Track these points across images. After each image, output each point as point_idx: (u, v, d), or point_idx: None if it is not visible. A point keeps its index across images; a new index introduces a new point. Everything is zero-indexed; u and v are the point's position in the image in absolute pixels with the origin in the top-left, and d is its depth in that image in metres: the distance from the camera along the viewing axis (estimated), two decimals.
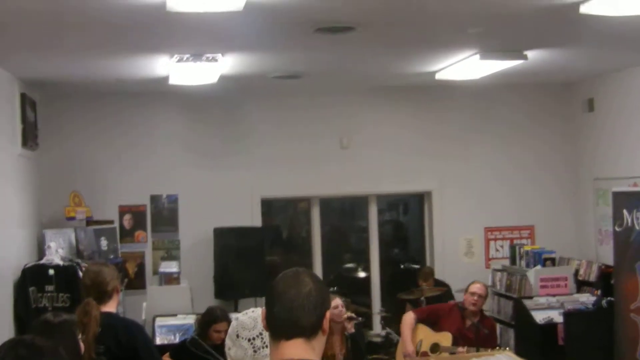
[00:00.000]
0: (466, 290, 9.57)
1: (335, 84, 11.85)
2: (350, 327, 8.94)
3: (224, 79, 10.10)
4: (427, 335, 9.14)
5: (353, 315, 9.01)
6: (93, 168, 11.68)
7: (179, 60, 8.74)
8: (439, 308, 9.71)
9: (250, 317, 3.99)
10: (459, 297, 10.52)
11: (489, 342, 9.05)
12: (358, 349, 8.89)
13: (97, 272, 6.02)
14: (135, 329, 6.01)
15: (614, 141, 11.55)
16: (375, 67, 10.46)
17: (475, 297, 9.32)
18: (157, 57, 9.00)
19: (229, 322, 8.20)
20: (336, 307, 8.82)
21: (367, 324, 11.99)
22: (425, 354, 8.96)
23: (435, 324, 9.30)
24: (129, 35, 7.78)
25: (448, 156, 12.53)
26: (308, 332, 3.07)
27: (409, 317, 9.40)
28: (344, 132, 12.34)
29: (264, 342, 3.83)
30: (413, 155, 12.44)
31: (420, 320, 9.34)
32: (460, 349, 8.86)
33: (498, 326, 11.54)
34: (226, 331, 8.14)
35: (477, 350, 8.67)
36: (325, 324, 3.12)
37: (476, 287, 9.40)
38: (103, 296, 5.87)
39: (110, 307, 5.92)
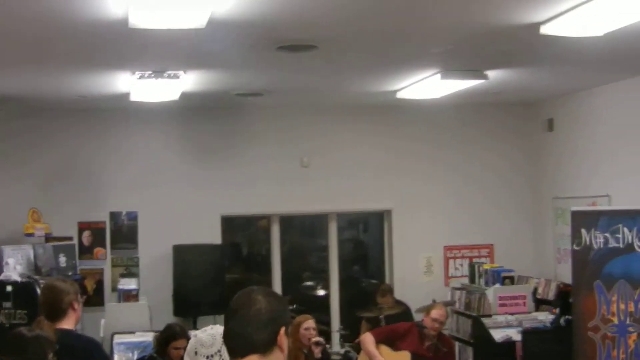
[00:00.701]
0: (427, 312, 9.54)
1: (297, 102, 11.87)
2: (318, 352, 8.93)
3: (185, 95, 10.10)
4: (386, 355, 9.12)
5: (321, 340, 8.99)
6: (52, 184, 11.61)
7: (141, 77, 8.73)
8: (396, 328, 9.67)
9: (208, 334, 3.99)
10: (418, 317, 10.54)
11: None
12: None
13: (51, 288, 5.92)
14: (92, 346, 5.86)
15: (573, 161, 11.65)
16: (337, 85, 10.50)
17: (437, 324, 9.30)
18: (118, 74, 8.98)
19: (187, 339, 8.13)
20: (307, 328, 8.82)
21: (326, 342, 11.98)
22: None
23: (393, 344, 9.27)
24: (90, 51, 7.76)
25: (408, 175, 12.57)
26: (261, 349, 3.13)
27: (368, 338, 9.35)
28: (304, 151, 12.35)
29: (222, 359, 3.84)
30: (373, 173, 12.48)
31: (378, 341, 9.31)
32: None
33: (457, 344, 11.58)
34: (185, 348, 8.11)
35: None
36: (280, 340, 3.17)
37: (438, 314, 9.31)
38: (58, 313, 5.74)
39: (67, 323, 5.76)
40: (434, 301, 10.69)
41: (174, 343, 8.34)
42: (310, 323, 8.89)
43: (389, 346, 9.23)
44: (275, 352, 3.16)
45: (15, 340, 4.83)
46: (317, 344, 8.87)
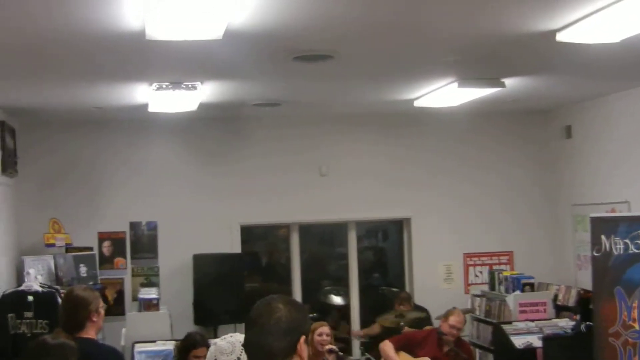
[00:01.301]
0: (445, 318, 9.56)
1: (314, 111, 11.90)
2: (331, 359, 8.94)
3: (203, 106, 10.13)
4: None
5: (334, 347, 8.98)
6: (72, 195, 11.68)
7: (158, 89, 8.77)
8: (415, 334, 9.68)
9: (228, 341, 4.02)
10: (437, 324, 10.54)
11: None
12: None
13: (71, 299, 5.92)
14: (112, 355, 5.87)
15: (592, 167, 11.63)
16: (354, 94, 10.51)
17: (454, 331, 9.32)
18: (136, 85, 9.02)
19: (208, 347, 8.19)
20: (321, 334, 8.81)
21: (347, 349, 12.00)
22: None
23: (411, 351, 9.26)
24: (108, 63, 7.80)
25: (427, 183, 12.58)
26: (281, 357, 3.15)
27: (388, 345, 9.33)
28: (322, 159, 12.38)
29: None
30: (392, 182, 12.49)
31: (397, 348, 9.30)
32: None
33: (477, 351, 11.59)
34: (204, 356, 8.15)
35: None
36: (300, 349, 3.18)
37: (455, 320, 9.37)
38: (78, 322, 5.77)
39: (88, 333, 5.76)
40: (454, 308, 10.71)
41: (194, 351, 8.38)
42: (324, 329, 8.88)
43: (408, 353, 9.22)
44: None
45: (39, 348, 4.86)
46: (330, 351, 8.87)
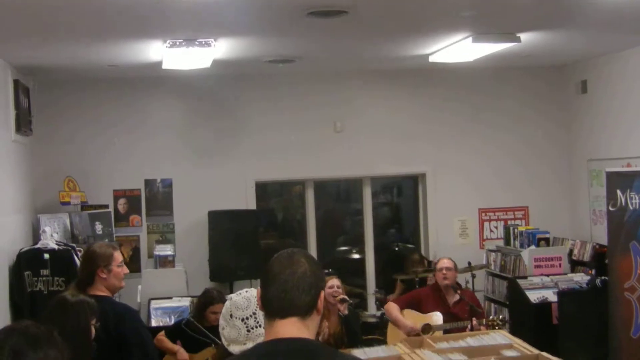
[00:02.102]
0: (434, 269, 9.54)
1: (328, 67, 11.86)
2: (343, 309, 8.95)
3: (217, 63, 10.11)
4: (416, 319, 9.10)
5: (345, 297, 9.00)
6: (87, 153, 11.70)
7: (172, 46, 8.74)
8: (417, 292, 9.62)
9: (243, 297, 4.02)
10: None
11: (477, 314, 9.05)
12: (352, 331, 8.89)
13: (85, 252, 5.94)
14: (127, 315, 5.85)
15: (607, 122, 11.58)
16: (369, 50, 10.47)
17: (444, 271, 9.24)
18: (150, 43, 8.99)
19: (224, 303, 8.25)
20: (332, 287, 8.83)
21: (362, 305, 12.04)
22: (418, 335, 8.96)
23: (419, 308, 9.25)
24: (121, 20, 7.77)
25: (442, 139, 12.55)
26: (303, 311, 3.12)
27: (392, 306, 9.29)
28: (337, 116, 12.35)
29: (257, 322, 3.87)
30: (407, 138, 12.47)
31: (403, 307, 9.28)
32: (454, 324, 8.88)
33: (492, 306, 11.62)
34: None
35: (470, 327, 8.68)
36: (320, 304, 3.16)
37: (442, 263, 9.35)
38: (86, 277, 5.81)
39: (99, 289, 5.80)
40: (469, 264, 10.71)
41: (211, 307, 8.44)
42: (335, 281, 8.90)
43: (417, 310, 9.21)
44: (313, 315, 3.16)
45: (59, 306, 4.88)
46: (342, 301, 8.90)
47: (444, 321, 8.93)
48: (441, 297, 9.24)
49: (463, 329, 8.59)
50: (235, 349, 3.93)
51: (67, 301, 4.98)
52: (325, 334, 8.50)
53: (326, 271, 10.86)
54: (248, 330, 3.97)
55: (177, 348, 8.46)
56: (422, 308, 9.18)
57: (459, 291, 9.32)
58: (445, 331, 8.60)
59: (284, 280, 3.11)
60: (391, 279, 11.62)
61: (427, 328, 8.78)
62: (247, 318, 3.99)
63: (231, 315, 4.02)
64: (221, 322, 4.07)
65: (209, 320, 8.40)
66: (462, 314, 9.06)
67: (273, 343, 3.10)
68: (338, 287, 8.89)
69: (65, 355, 3.21)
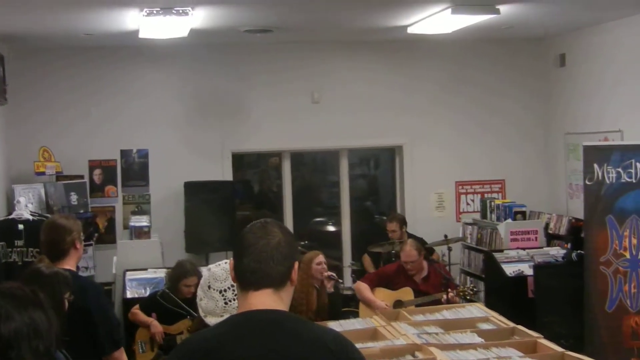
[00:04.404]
0: (401, 251, 9.44)
1: (306, 38, 11.80)
2: (330, 287, 8.95)
3: (194, 33, 10.04)
4: (387, 296, 9.09)
5: (333, 275, 8.99)
6: (63, 123, 11.61)
7: (149, 14, 8.66)
8: (385, 270, 9.57)
9: (222, 268, 3.99)
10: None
11: (451, 286, 9.05)
12: (335, 311, 8.88)
13: (54, 226, 5.84)
14: (90, 290, 5.74)
15: (585, 96, 11.59)
16: (347, 21, 10.42)
17: (409, 266, 9.21)
18: (126, 11, 8.92)
19: (198, 276, 8.23)
20: (319, 263, 8.83)
21: (338, 277, 12.03)
22: None
23: (389, 285, 9.22)
24: None
25: (419, 111, 12.52)
26: (277, 282, 3.09)
27: (362, 286, 9.27)
28: (315, 86, 12.30)
29: (235, 294, 3.83)
30: (384, 109, 12.43)
31: (374, 286, 9.25)
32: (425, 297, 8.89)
33: (468, 279, 11.65)
34: (196, 285, 8.19)
35: (447, 299, 8.69)
36: (294, 275, 3.14)
37: (406, 255, 9.20)
38: (59, 252, 5.72)
39: (68, 263, 5.72)
40: (446, 236, 10.69)
41: (184, 280, 8.43)
42: (321, 258, 8.89)
43: (387, 288, 9.19)
44: (287, 287, 3.14)
45: (33, 277, 4.81)
46: (329, 278, 8.89)
47: (417, 296, 8.94)
48: (409, 276, 9.20)
49: (436, 302, 8.59)
50: (211, 320, 3.91)
51: (42, 273, 4.92)
52: (312, 304, 8.56)
53: (303, 243, 10.87)
54: (225, 303, 3.95)
55: (151, 320, 8.44)
56: (392, 286, 9.17)
57: (425, 269, 9.27)
58: (417, 306, 8.58)
59: (258, 251, 3.08)
60: (366, 251, 11.57)
61: (399, 304, 8.79)
62: (225, 290, 3.96)
63: (209, 287, 3.99)
64: (199, 292, 4.04)
65: (183, 293, 8.39)
66: (432, 289, 9.06)
67: (247, 315, 3.07)
68: (325, 264, 8.90)
69: (51, 318, 3.16)
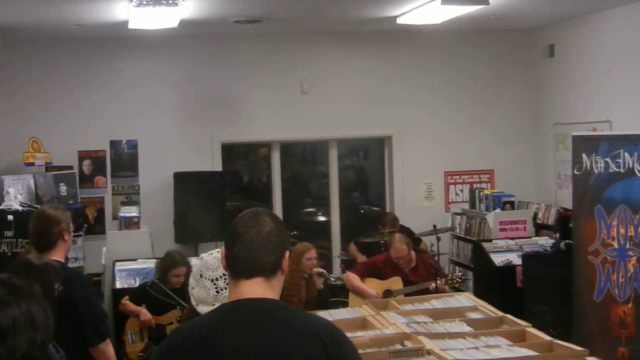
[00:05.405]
0: (390, 245, 9.43)
1: (295, 28, 11.80)
2: (320, 283, 8.98)
3: (184, 23, 10.03)
4: (376, 286, 9.10)
5: (324, 272, 9.02)
6: (52, 114, 11.61)
7: (139, 4, 8.64)
8: (375, 260, 9.55)
9: (214, 257, 4.00)
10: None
11: (440, 275, 9.07)
12: (324, 302, 8.90)
13: (42, 217, 5.83)
14: (76, 281, 5.72)
15: (574, 86, 11.62)
16: (336, 11, 10.42)
17: (401, 261, 9.20)
18: (116, 1, 8.91)
19: (187, 266, 8.27)
20: (310, 258, 8.85)
21: (327, 267, 12.05)
22: None
23: (378, 275, 9.23)
24: None
25: (408, 101, 12.53)
26: (267, 271, 3.10)
27: (352, 276, 9.29)
28: (304, 77, 12.31)
29: (227, 283, 3.83)
30: (374, 100, 12.44)
31: (363, 276, 9.26)
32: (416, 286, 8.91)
33: (457, 269, 11.66)
34: (185, 275, 8.22)
35: (435, 288, 8.72)
36: (285, 264, 3.15)
37: (396, 252, 9.19)
38: (47, 243, 5.71)
39: (56, 254, 5.71)
40: (434, 226, 10.70)
41: (173, 270, 8.43)
42: (312, 253, 8.92)
43: (376, 278, 9.20)
44: (277, 276, 3.15)
45: (23, 268, 4.81)
46: (319, 275, 8.92)
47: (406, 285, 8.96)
48: (397, 266, 9.21)
49: (425, 291, 8.62)
50: (203, 309, 3.91)
51: (32, 264, 4.91)
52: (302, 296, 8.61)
53: (293, 233, 10.87)
54: (217, 292, 3.96)
55: (140, 309, 8.46)
56: (381, 276, 9.19)
57: (414, 260, 9.28)
58: (406, 295, 8.60)
59: (249, 240, 3.09)
60: (355, 242, 11.58)
61: (388, 293, 8.81)
62: (217, 279, 3.97)
63: (201, 275, 4.00)
64: (191, 281, 4.05)
65: (172, 283, 8.40)
66: (421, 279, 9.09)
67: (237, 303, 3.08)
68: (315, 259, 8.92)
69: (47, 311, 3.16)
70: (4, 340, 2.94)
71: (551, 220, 11.29)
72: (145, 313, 8.42)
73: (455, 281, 9.05)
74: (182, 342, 3.04)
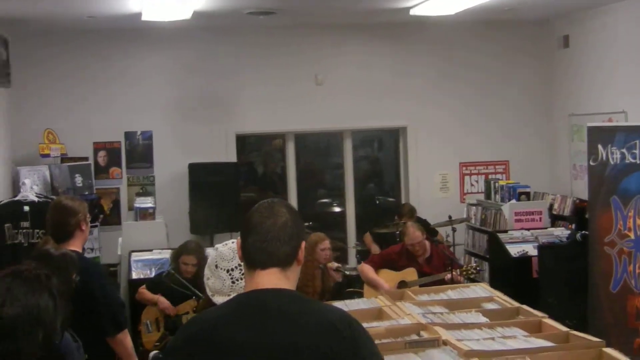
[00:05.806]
0: (404, 234, 9.41)
1: (309, 20, 11.78)
2: (338, 277, 9.00)
3: (197, 15, 10.03)
4: (391, 277, 9.09)
5: (340, 266, 9.05)
6: (67, 105, 11.63)
7: None
8: (389, 251, 9.53)
9: (230, 248, 3.99)
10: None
11: (455, 265, 9.05)
12: (339, 293, 8.92)
13: (59, 207, 5.84)
14: (93, 272, 5.76)
15: (589, 77, 11.57)
16: (350, 2, 10.40)
17: (416, 247, 9.18)
18: None
19: (199, 257, 8.29)
20: (324, 249, 8.87)
21: (343, 258, 12.05)
22: None
23: (393, 266, 9.21)
24: None
25: (423, 92, 12.52)
26: (283, 262, 3.10)
27: (366, 267, 9.25)
28: (318, 68, 12.30)
29: (242, 274, 3.83)
30: (388, 91, 12.43)
31: (377, 267, 9.25)
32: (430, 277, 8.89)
33: (472, 259, 11.64)
34: (194, 265, 8.24)
35: (451, 279, 8.70)
36: (301, 254, 3.15)
37: (411, 238, 9.15)
38: (65, 233, 5.74)
39: (74, 244, 5.74)
40: (450, 217, 10.69)
41: (183, 257, 8.48)
42: (326, 244, 8.95)
43: (391, 269, 9.19)
44: (293, 266, 3.15)
45: (42, 259, 4.82)
46: (337, 270, 8.95)
47: (421, 276, 8.95)
48: (413, 257, 9.20)
49: (439, 282, 8.60)
50: (219, 299, 3.91)
51: (51, 254, 4.93)
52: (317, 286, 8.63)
53: (308, 224, 10.87)
54: (233, 282, 3.95)
55: (157, 297, 8.49)
56: (395, 267, 9.17)
57: (428, 250, 9.25)
58: (421, 286, 8.58)
59: (265, 230, 3.09)
60: (370, 232, 11.58)
61: (403, 284, 8.80)
62: (232, 269, 3.97)
63: (217, 266, 3.99)
64: (206, 272, 4.04)
65: (180, 270, 8.44)
66: (436, 270, 9.06)
67: (253, 294, 3.09)
68: (329, 249, 8.95)
69: (58, 304, 3.17)
70: (4, 340, 2.97)
71: (567, 211, 11.27)
72: (163, 301, 8.46)
73: (469, 272, 9.03)
74: (198, 333, 3.04)
